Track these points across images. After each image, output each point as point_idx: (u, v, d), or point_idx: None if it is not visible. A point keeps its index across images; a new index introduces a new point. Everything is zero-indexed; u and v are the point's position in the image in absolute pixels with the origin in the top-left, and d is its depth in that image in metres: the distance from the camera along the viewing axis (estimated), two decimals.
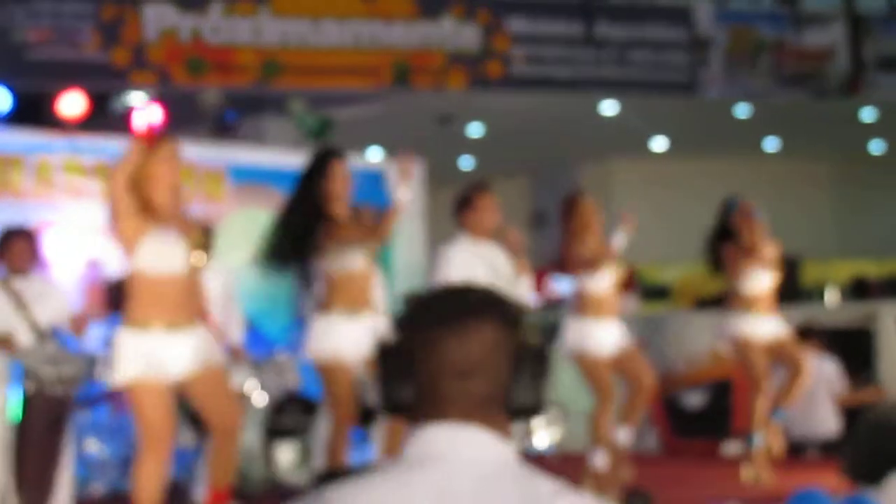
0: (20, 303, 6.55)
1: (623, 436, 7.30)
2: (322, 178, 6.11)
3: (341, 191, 6.14)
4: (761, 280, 7.87)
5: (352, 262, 6.08)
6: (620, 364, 7.21)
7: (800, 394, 8.06)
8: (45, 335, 6.58)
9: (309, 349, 6.13)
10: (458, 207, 6.77)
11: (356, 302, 6.09)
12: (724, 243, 7.97)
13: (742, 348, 7.88)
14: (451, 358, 1.87)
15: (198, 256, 5.33)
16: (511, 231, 6.73)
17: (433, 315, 1.92)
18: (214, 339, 5.54)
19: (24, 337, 6.50)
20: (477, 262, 6.57)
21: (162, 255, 5.19)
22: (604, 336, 7.15)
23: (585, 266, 7.14)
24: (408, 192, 6.21)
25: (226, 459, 5.53)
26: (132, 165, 5.17)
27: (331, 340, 6.02)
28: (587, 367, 7.15)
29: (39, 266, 6.88)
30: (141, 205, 5.20)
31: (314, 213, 6.06)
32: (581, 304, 7.24)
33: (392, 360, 1.92)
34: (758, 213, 8.04)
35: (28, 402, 6.33)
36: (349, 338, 6.00)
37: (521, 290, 6.72)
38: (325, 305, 6.12)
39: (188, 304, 5.31)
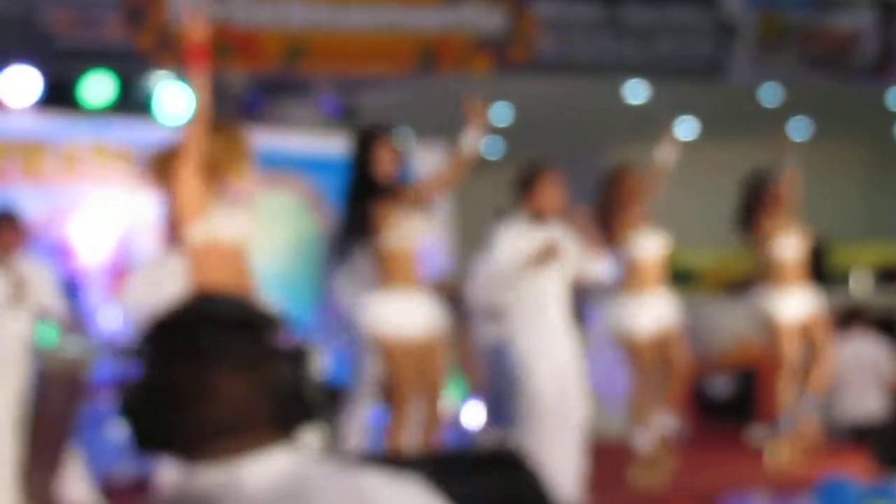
0: (12, 284, 6.51)
1: (665, 423, 7.29)
2: (367, 161, 6.10)
3: (388, 169, 6.12)
4: (790, 246, 7.79)
5: (404, 238, 6.07)
6: (660, 344, 7.19)
7: (826, 379, 8.02)
8: (40, 318, 6.57)
9: (367, 329, 6.09)
10: (517, 188, 6.67)
11: (410, 279, 6.04)
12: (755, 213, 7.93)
13: (770, 328, 7.80)
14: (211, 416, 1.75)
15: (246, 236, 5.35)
16: (576, 209, 6.65)
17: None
18: None
19: (17, 321, 6.47)
20: (527, 242, 6.48)
21: (224, 222, 5.24)
22: (646, 314, 7.11)
23: (631, 231, 7.12)
24: (474, 139, 6.11)
25: None
26: (195, 152, 5.14)
27: (391, 320, 5.98)
28: (627, 346, 7.13)
29: (24, 248, 6.84)
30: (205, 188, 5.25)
31: (366, 195, 6.04)
32: (627, 276, 7.19)
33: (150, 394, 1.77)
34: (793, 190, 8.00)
35: (42, 384, 6.32)
36: (408, 316, 5.94)
37: (594, 267, 6.66)
38: (380, 284, 6.08)
39: (243, 278, 5.33)
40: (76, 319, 6.84)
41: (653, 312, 7.15)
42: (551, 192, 6.58)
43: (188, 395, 1.75)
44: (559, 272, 6.48)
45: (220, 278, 5.21)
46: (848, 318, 8.81)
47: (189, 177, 5.17)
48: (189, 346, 1.76)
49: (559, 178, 6.64)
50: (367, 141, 6.20)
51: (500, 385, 7.47)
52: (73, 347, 6.40)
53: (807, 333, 7.85)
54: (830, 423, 8.99)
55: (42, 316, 6.58)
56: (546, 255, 6.34)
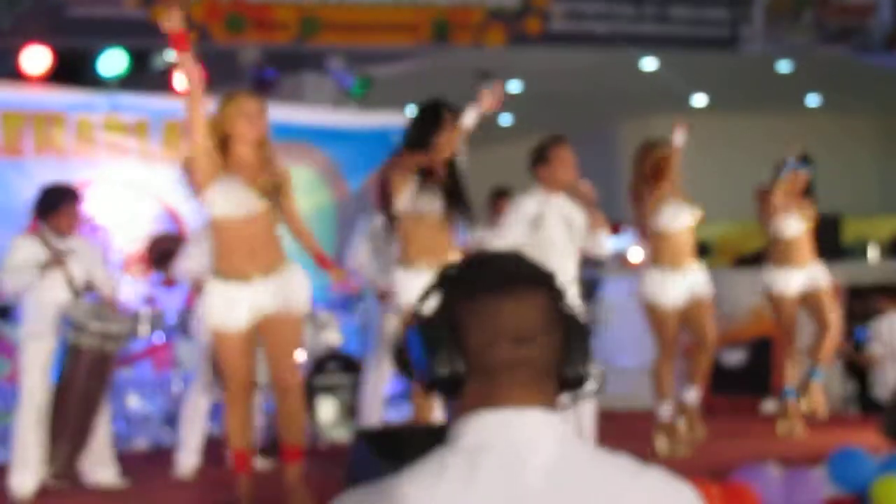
0: (58, 258, 6.57)
1: (691, 396, 7.33)
2: (434, 128, 6.10)
3: (447, 144, 6.12)
4: (795, 225, 7.86)
5: (426, 207, 6.10)
6: (687, 315, 7.21)
7: (832, 350, 8.09)
8: (79, 290, 6.60)
9: (401, 302, 6.11)
10: (532, 160, 6.68)
11: (436, 252, 6.10)
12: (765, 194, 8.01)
13: (774, 302, 7.91)
14: (507, 324, 1.79)
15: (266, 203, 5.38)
16: (583, 184, 6.67)
17: (484, 281, 1.83)
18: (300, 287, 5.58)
19: (60, 293, 6.52)
20: (548, 215, 6.52)
21: (229, 200, 5.32)
22: (676, 286, 7.14)
23: (661, 203, 7.15)
24: (473, 117, 6.21)
25: (287, 416, 5.63)
26: (198, 128, 5.27)
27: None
28: (655, 317, 7.15)
29: (82, 225, 6.91)
30: (220, 158, 5.35)
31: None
32: (658, 249, 7.23)
33: (437, 330, 1.82)
34: (807, 167, 8.01)
35: (72, 356, 6.38)
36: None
37: (598, 243, 6.69)
38: (404, 258, 6.15)
39: (266, 249, 5.42)
40: (114, 306, 6.87)
41: (683, 284, 7.18)
42: (564, 165, 6.60)
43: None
44: (570, 243, 6.53)
45: (240, 246, 5.34)
46: (880, 296, 8.89)
47: (199, 153, 5.28)
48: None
49: (571, 152, 6.66)
50: (437, 110, 6.15)
51: None
52: (108, 322, 6.43)
53: (812, 307, 7.89)
54: (867, 401, 9.09)
55: (86, 288, 6.64)
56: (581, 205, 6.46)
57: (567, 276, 6.46)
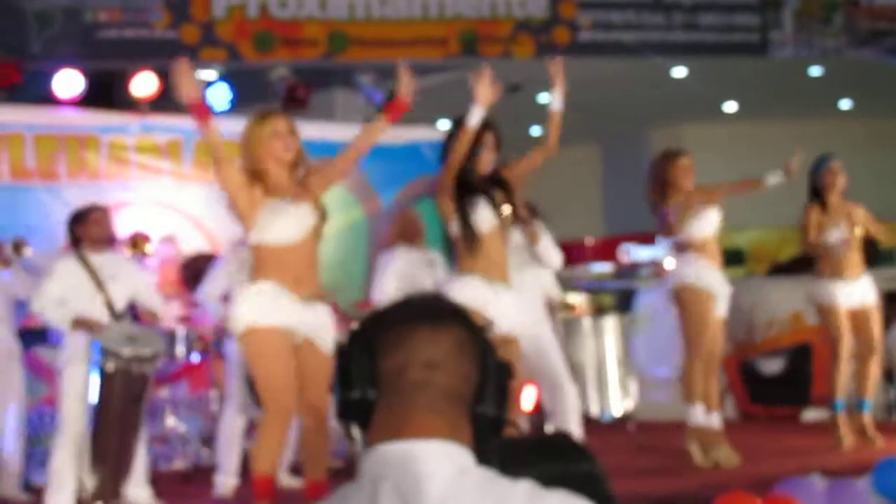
0: (97, 281, 6.61)
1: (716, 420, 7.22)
2: (472, 155, 5.94)
3: (487, 159, 6.01)
4: (839, 236, 7.71)
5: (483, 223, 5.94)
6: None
7: (876, 378, 7.91)
8: (119, 314, 6.63)
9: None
10: None
11: (494, 268, 5.88)
12: (810, 204, 7.87)
13: (825, 314, 7.72)
14: (419, 349, 1.89)
15: (313, 222, 5.27)
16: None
17: (402, 314, 1.94)
18: (333, 321, 5.38)
19: (99, 315, 6.56)
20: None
21: (276, 227, 5.16)
22: (710, 278, 7.05)
23: (687, 209, 7.07)
24: (560, 98, 6.22)
25: (315, 449, 5.28)
26: (215, 145, 5.14)
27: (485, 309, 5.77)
28: (686, 303, 7.01)
29: (114, 244, 6.94)
30: (254, 178, 5.19)
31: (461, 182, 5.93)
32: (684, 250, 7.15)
33: (351, 358, 1.93)
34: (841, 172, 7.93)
35: (107, 381, 6.38)
36: (498, 307, 5.71)
37: (544, 252, 6.64)
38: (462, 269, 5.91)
39: (309, 275, 5.24)
40: (157, 320, 6.90)
41: (714, 281, 7.09)
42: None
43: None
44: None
45: (285, 272, 5.16)
46: None
47: (235, 193, 5.15)
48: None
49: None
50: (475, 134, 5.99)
51: None
52: (139, 345, 6.42)
53: (859, 324, 7.73)
54: None
55: (128, 309, 6.68)
56: None
57: (532, 316, 6.44)
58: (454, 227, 5.84)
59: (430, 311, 1.94)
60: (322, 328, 5.26)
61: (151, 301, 6.85)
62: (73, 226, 6.74)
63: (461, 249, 5.86)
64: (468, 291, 5.61)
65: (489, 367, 1.93)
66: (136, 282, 6.79)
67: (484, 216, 5.81)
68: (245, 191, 5.17)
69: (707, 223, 7.14)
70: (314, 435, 5.26)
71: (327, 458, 5.43)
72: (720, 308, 7.12)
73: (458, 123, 5.95)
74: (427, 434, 1.84)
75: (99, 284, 6.61)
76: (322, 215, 5.30)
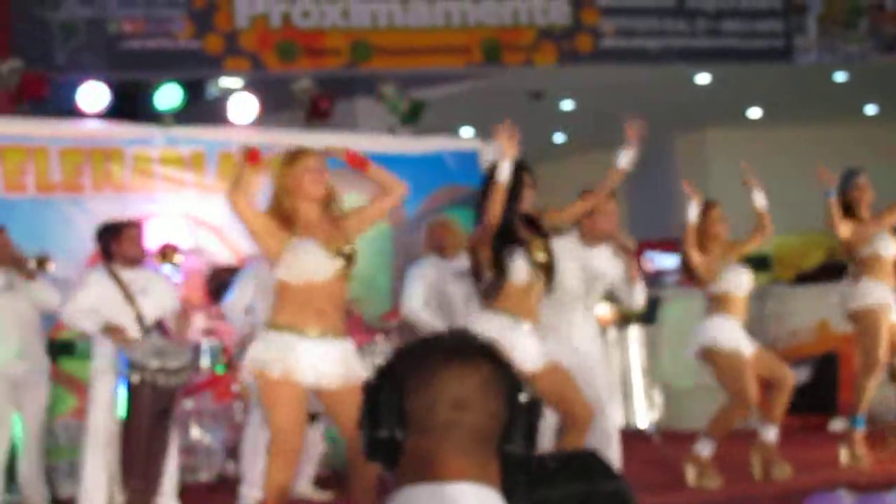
0: (127, 295, 6.64)
1: (770, 433, 7.19)
2: (514, 193, 5.92)
3: (529, 197, 5.99)
4: (887, 244, 7.63)
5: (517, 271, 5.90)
6: (757, 364, 7.12)
7: None
8: (149, 328, 6.66)
9: None
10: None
11: (520, 309, 5.87)
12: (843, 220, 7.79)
13: (866, 319, 7.58)
14: (447, 388, 1.86)
15: (341, 264, 5.19)
16: (625, 237, 6.56)
17: (430, 352, 1.91)
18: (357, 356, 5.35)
19: (129, 329, 6.58)
20: (565, 262, 6.36)
21: (304, 266, 5.10)
22: (739, 335, 7.07)
23: (711, 275, 7.10)
24: (629, 157, 6.28)
25: (363, 492, 5.22)
26: (243, 184, 5.11)
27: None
28: (723, 366, 7.05)
29: (145, 260, 6.96)
30: (284, 216, 5.14)
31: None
32: (717, 303, 7.17)
33: (380, 395, 1.89)
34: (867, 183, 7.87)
35: (135, 395, 6.40)
36: (518, 348, 5.64)
37: (633, 295, 6.59)
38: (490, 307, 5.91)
39: (332, 311, 5.17)
40: (187, 318, 6.94)
41: (743, 335, 7.14)
42: (609, 217, 6.48)
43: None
44: (585, 295, 6.48)
45: (307, 308, 5.11)
46: None
47: (260, 235, 5.14)
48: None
49: (614, 206, 6.56)
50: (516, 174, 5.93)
51: None
52: (167, 358, 6.43)
53: (894, 336, 7.64)
54: None
55: (157, 324, 6.71)
56: None
57: (584, 334, 6.42)
58: (485, 276, 5.84)
59: (457, 348, 1.91)
60: (351, 363, 5.21)
61: (174, 306, 6.88)
62: (106, 240, 6.75)
63: (489, 290, 5.88)
64: (492, 328, 5.59)
65: (518, 404, 1.90)
66: (163, 298, 6.81)
67: (519, 266, 5.82)
68: (269, 234, 5.11)
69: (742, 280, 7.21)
70: (363, 479, 5.21)
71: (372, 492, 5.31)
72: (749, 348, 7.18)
73: (489, 179, 5.87)
74: (456, 476, 1.82)
75: (128, 298, 6.63)
76: (351, 257, 5.23)
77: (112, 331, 6.50)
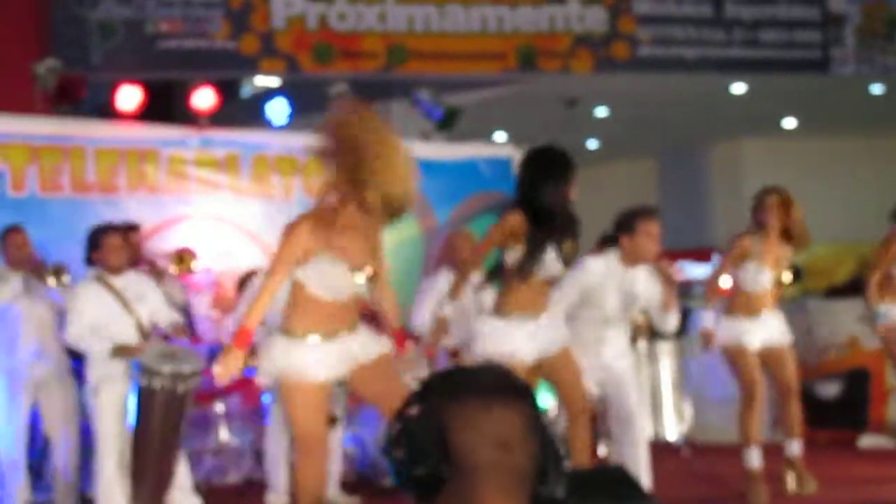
0: (124, 303, 6.59)
1: (792, 448, 7.15)
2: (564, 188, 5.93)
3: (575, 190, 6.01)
4: None
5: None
6: (767, 361, 7.08)
7: None
8: (148, 333, 6.63)
9: (483, 351, 5.95)
10: (617, 226, 6.45)
11: (534, 304, 5.93)
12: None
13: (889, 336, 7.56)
14: (492, 428, 1.83)
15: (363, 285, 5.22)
16: (666, 262, 6.51)
17: (473, 387, 1.87)
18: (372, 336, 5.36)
19: (129, 336, 6.56)
20: (608, 285, 6.38)
21: (325, 284, 5.11)
22: (756, 332, 7.02)
23: (740, 258, 7.04)
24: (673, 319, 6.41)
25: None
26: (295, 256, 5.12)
27: (505, 345, 5.83)
28: (735, 361, 7.03)
29: (138, 262, 6.88)
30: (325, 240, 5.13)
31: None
32: (738, 300, 7.12)
33: (422, 429, 1.84)
34: None
35: (148, 400, 6.36)
36: (524, 341, 5.83)
37: (667, 322, 6.57)
38: (499, 308, 5.97)
39: (347, 314, 5.21)
40: (186, 332, 6.90)
41: (762, 331, 7.06)
42: (651, 238, 6.41)
43: None
44: (624, 317, 6.49)
45: (322, 314, 5.14)
46: None
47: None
48: None
49: (658, 227, 6.48)
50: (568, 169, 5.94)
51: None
52: (179, 362, 6.40)
53: None
54: None
55: (147, 333, 6.67)
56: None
57: (616, 349, 6.41)
58: (513, 255, 5.84)
59: (499, 386, 1.89)
60: (372, 342, 5.25)
61: (170, 317, 6.82)
62: (89, 248, 6.71)
63: (510, 278, 5.88)
64: (497, 338, 5.82)
65: (551, 446, 1.89)
66: (153, 300, 6.75)
67: (550, 260, 5.81)
68: (310, 242, 5.09)
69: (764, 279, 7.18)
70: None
71: None
72: (768, 343, 7.14)
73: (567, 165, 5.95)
74: None
75: (126, 306, 6.59)
76: (373, 277, 5.23)
77: (122, 351, 6.49)
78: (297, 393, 5.11)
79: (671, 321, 6.52)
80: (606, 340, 6.38)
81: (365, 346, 5.23)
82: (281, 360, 5.12)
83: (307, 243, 5.08)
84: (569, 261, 5.94)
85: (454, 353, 7.42)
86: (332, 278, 5.12)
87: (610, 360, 6.36)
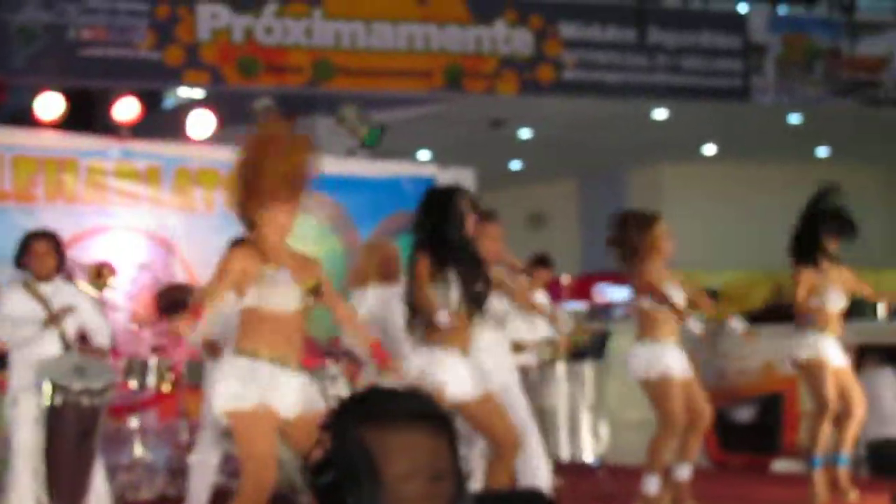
0: (50, 312, 6.45)
1: (684, 472, 7.17)
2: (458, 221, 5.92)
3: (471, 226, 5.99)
4: (835, 300, 7.67)
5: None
6: (683, 391, 7.09)
7: (855, 434, 7.83)
8: (70, 345, 6.50)
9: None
10: None
11: (455, 339, 5.85)
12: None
13: (814, 369, 7.62)
14: (425, 459, 1.77)
15: (308, 300, 5.18)
16: (513, 258, 6.52)
17: (395, 415, 1.80)
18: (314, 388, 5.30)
19: (50, 346, 6.43)
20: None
21: (279, 295, 5.09)
22: (673, 360, 7.03)
23: (651, 290, 7.04)
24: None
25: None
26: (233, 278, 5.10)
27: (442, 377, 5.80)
28: (656, 391, 7.01)
29: (64, 272, 6.77)
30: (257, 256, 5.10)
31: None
32: (647, 327, 7.13)
33: (353, 460, 1.77)
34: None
35: (57, 416, 6.22)
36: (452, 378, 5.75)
37: (531, 329, 6.55)
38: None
39: (297, 343, 5.16)
40: (107, 345, 6.77)
41: (678, 359, 7.09)
42: (492, 240, 6.41)
43: None
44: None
45: (276, 333, 5.09)
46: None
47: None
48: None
49: (497, 225, 6.48)
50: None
51: None
52: (90, 379, 6.27)
53: (842, 385, 7.66)
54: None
55: (79, 343, 6.56)
56: None
57: (485, 349, 6.41)
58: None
59: (425, 413, 1.84)
60: (312, 396, 5.17)
61: (99, 329, 6.69)
62: (18, 253, 6.58)
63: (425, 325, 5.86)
64: (427, 361, 5.73)
65: (461, 467, 1.87)
66: (83, 310, 6.63)
67: (453, 300, 5.80)
68: (249, 271, 5.08)
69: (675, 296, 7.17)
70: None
71: None
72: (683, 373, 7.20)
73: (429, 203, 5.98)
74: None
75: (51, 315, 6.45)
76: (318, 290, 5.20)
77: (51, 321, 6.33)
78: (252, 421, 5.00)
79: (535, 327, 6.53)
80: (485, 347, 6.37)
81: (303, 393, 5.14)
82: (235, 388, 5.02)
83: (243, 262, 5.06)
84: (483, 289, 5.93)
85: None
86: (280, 288, 5.07)
87: (493, 367, 6.31)
